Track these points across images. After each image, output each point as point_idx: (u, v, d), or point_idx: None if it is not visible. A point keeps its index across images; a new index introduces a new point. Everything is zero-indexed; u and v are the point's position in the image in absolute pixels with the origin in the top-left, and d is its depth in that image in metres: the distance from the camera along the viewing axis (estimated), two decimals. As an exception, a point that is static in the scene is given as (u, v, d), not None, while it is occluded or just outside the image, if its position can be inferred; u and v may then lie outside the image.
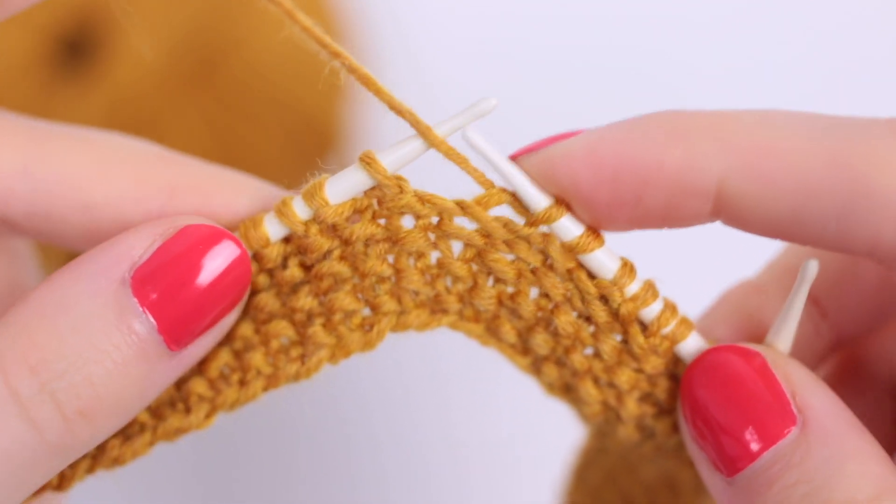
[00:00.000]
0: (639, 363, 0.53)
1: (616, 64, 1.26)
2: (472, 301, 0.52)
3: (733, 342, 0.53)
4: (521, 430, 0.83)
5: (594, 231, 0.50)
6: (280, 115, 1.10)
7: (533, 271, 0.51)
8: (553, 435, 0.73)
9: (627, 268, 0.51)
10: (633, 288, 0.51)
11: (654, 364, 0.52)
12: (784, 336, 0.52)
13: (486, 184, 0.50)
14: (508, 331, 0.54)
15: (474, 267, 0.52)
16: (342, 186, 0.50)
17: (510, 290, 0.52)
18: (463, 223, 0.51)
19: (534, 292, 0.52)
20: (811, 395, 0.48)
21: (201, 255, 0.47)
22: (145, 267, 0.46)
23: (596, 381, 0.54)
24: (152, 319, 0.46)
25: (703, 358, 0.51)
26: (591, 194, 0.48)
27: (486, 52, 1.26)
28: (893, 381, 0.57)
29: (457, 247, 0.52)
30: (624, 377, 0.53)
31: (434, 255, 0.52)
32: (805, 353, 0.55)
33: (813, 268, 0.48)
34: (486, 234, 0.50)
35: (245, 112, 1.09)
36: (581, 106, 1.24)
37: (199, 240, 0.47)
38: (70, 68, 1.08)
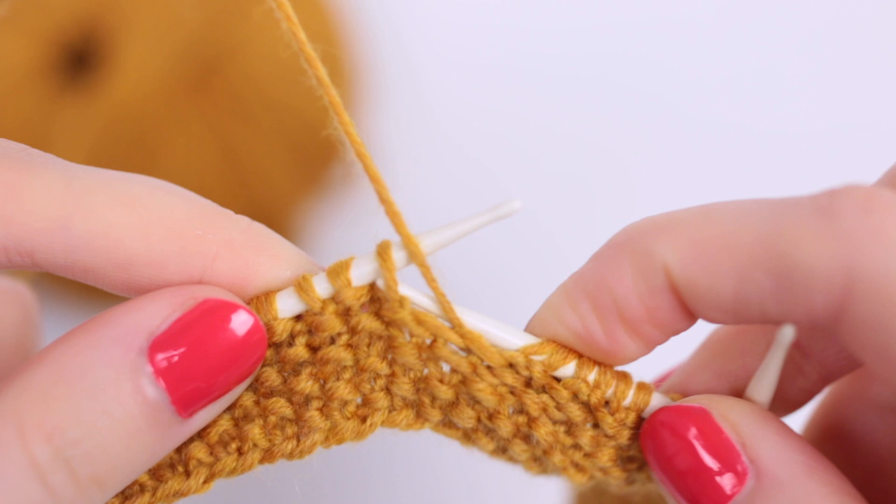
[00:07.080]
0: (615, 440, 0.54)
1: (614, 70, 1.27)
2: (452, 417, 0.54)
3: (713, 389, 0.54)
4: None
5: (559, 345, 0.52)
6: (283, 124, 1.10)
7: (512, 392, 0.53)
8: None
9: (584, 360, 0.52)
10: (591, 376, 0.52)
11: (628, 435, 0.54)
12: (763, 392, 0.52)
13: (456, 322, 0.51)
14: (486, 443, 0.56)
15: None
16: (364, 270, 0.50)
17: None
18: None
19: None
20: (760, 443, 0.49)
21: (218, 328, 0.48)
22: (163, 337, 0.47)
23: (578, 466, 0.56)
24: (165, 388, 0.46)
25: (646, 428, 0.52)
26: (588, 334, 0.51)
27: (483, 58, 1.27)
28: (886, 407, 0.57)
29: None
30: (605, 457, 0.55)
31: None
32: (792, 393, 0.56)
33: (789, 333, 0.48)
34: (473, 364, 0.52)
35: (249, 121, 1.09)
36: (578, 114, 1.23)
37: (217, 313, 0.48)
38: (73, 77, 1.09)
